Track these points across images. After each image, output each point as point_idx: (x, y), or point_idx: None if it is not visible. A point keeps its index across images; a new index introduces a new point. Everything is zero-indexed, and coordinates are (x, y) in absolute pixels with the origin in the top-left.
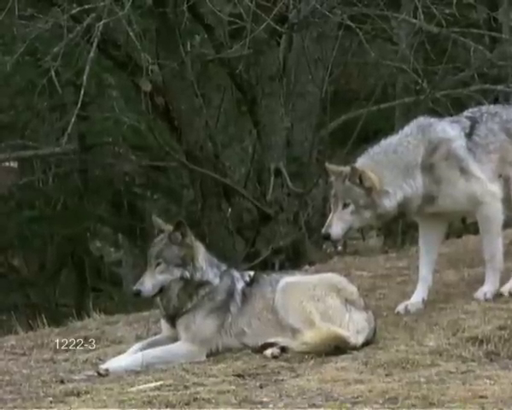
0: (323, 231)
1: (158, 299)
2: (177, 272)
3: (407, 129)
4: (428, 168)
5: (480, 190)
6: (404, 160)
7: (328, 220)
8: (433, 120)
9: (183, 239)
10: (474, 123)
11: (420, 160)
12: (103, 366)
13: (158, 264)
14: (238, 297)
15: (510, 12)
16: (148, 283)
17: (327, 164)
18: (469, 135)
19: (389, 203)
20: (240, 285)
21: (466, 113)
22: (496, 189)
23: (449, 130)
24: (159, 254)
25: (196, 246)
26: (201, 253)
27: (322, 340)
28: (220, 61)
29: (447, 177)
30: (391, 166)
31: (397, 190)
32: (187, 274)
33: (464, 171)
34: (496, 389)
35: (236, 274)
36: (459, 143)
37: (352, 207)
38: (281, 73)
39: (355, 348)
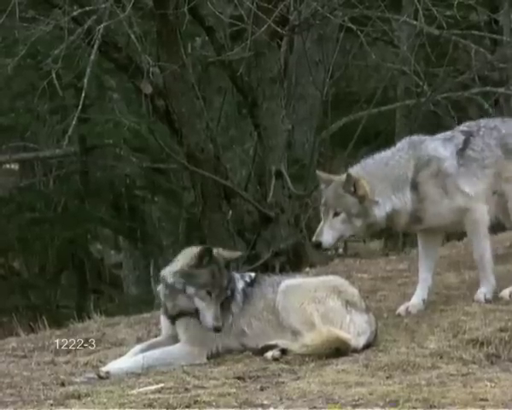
0: (314, 239)
1: (162, 298)
2: None
3: (399, 144)
4: (416, 186)
5: (464, 201)
6: (395, 173)
7: (318, 229)
8: (425, 137)
9: None
10: (468, 136)
11: (410, 176)
12: (104, 369)
13: None
14: (239, 297)
15: (511, 14)
16: None
17: (318, 172)
18: (463, 150)
19: (379, 213)
20: (240, 285)
21: (462, 126)
22: (479, 193)
23: (441, 149)
24: None
25: None
26: None
27: (322, 342)
28: (221, 64)
29: (433, 196)
30: (381, 177)
31: (386, 201)
32: None
33: (451, 189)
34: (496, 392)
35: (236, 275)
36: (450, 162)
37: (343, 216)
38: (282, 75)
39: (356, 350)
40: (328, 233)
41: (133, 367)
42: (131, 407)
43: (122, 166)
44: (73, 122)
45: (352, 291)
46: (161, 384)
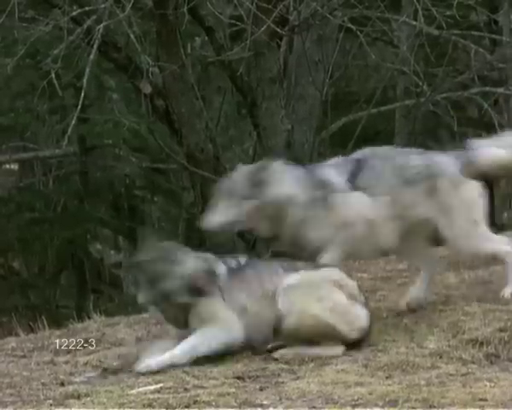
0: (202, 224)
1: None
2: None
3: (309, 167)
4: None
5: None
6: (299, 175)
7: (208, 213)
8: (324, 164)
9: None
10: (358, 169)
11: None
12: (142, 366)
13: None
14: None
15: (511, 14)
16: None
17: (239, 165)
18: (351, 182)
19: (270, 192)
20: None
21: (356, 154)
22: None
23: (333, 175)
24: None
25: None
26: None
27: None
28: (220, 64)
29: (315, 217)
30: (289, 170)
31: (284, 185)
32: None
33: (337, 203)
34: (496, 392)
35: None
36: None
37: (234, 200)
38: (281, 75)
39: (346, 342)
40: (220, 215)
41: (177, 361)
42: (131, 407)
43: (122, 166)
44: (73, 122)
45: (352, 284)
46: (161, 384)
